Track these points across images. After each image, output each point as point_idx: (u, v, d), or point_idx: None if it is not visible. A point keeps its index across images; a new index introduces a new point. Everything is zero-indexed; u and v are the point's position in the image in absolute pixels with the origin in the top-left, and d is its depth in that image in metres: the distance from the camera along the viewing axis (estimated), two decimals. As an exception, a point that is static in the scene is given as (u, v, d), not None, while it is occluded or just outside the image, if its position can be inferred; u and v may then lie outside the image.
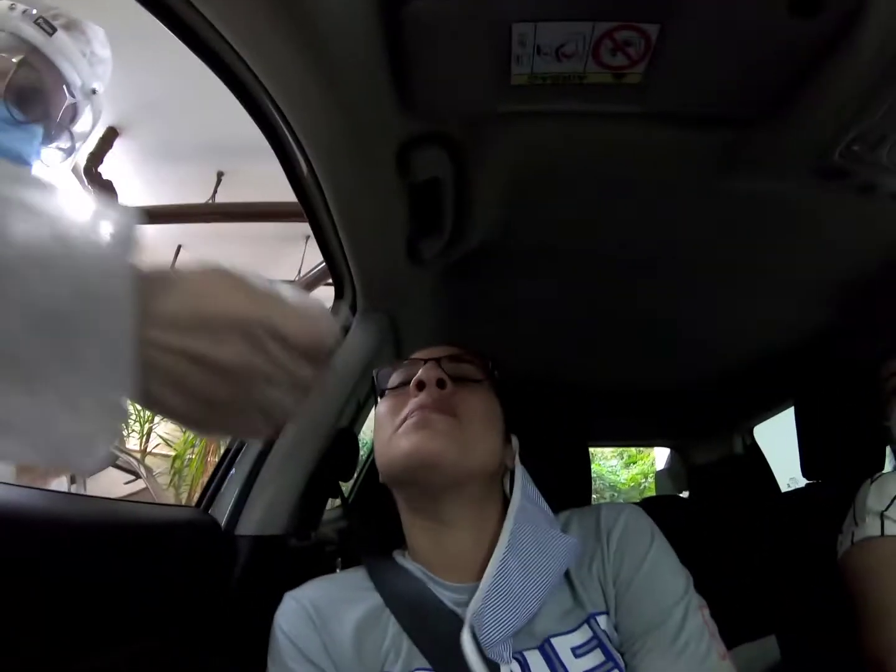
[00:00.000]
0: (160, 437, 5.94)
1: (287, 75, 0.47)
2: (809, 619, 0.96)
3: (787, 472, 1.76)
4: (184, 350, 0.28)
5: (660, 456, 4.11)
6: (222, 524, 0.75)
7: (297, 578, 0.64)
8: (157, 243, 3.71)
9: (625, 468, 7.19)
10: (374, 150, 0.58)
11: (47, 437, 0.25)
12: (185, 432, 5.52)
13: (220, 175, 3.08)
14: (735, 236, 0.81)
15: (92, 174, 2.80)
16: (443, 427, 0.57)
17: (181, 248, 3.73)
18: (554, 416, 1.47)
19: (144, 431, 5.66)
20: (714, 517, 1.52)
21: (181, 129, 2.77)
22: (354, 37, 0.44)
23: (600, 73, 0.45)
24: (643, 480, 6.95)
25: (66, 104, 0.71)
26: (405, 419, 0.59)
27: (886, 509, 0.79)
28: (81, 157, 2.88)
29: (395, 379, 0.67)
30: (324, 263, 2.71)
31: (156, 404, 0.29)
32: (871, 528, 0.80)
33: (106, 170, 2.86)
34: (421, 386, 0.60)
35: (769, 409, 1.63)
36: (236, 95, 0.53)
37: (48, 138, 0.71)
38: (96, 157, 2.82)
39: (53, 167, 0.74)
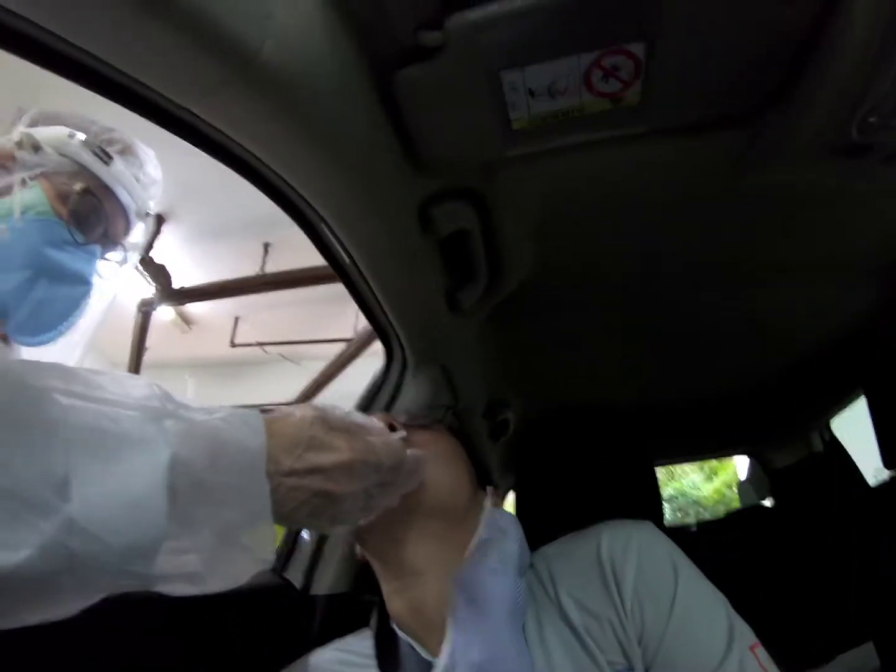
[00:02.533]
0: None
1: (299, 161, 0.50)
2: None
3: (872, 463, 1.65)
4: (308, 488, 0.41)
5: (742, 464, 3.88)
6: (298, 586, 0.77)
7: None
8: (216, 316, 3.93)
9: (707, 481, 6.81)
10: (396, 213, 0.60)
11: (224, 574, 0.37)
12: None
13: (266, 246, 3.25)
14: (771, 231, 0.79)
15: (144, 261, 3.00)
16: None
17: (238, 320, 3.94)
18: (613, 440, 1.45)
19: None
20: (801, 523, 1.44)
21: (224, 208, 2.94)
22: (355, 109, 0.47)
23: (598, 101, 0.46)
24: (727, 491, 6.55)
25: (121, 225, 0.77)
26: None
27: None
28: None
29: None
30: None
31: (289, 522, 0.43)
32: None
33: (156, 255, 3.07)
34: None
35: (840, 399, 1.53)
36: (258, 186, 0.56)
37: (104, 255, 0.77)
38: (146, 245, 3.04)
39: (110, 279, 0.79)
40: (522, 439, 1.39)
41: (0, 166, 0.70)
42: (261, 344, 3.89)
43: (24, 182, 0.69)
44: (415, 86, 0.46)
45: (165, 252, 3.20)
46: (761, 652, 0.48)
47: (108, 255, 0.78)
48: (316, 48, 0.41)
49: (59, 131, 0.71)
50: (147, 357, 3.54)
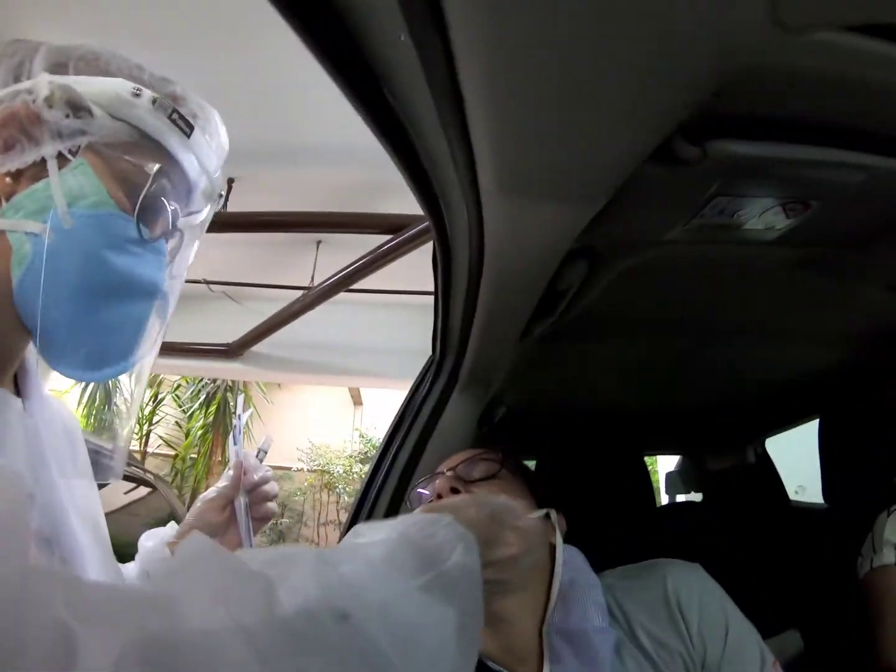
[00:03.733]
0: (161, 437, 5.96)
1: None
2: (830, 617, 1.09)
3: (794, 479, 1.92)
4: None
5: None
6: None
7: None
8: (162, 249, 3.67)
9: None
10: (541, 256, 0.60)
11: None
12: (188, 436, 5.55)
13: (230, 181, 3.06)
14: (773, 306, 0.91)
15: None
16: None
17: (186, 255, 3.71)
18: (602, 432, 1.60)
19: (144, 433, 5.65)
20: (731, 522, 1.65)
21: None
22: None
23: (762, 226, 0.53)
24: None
25: (183, 207, 0.57)
26: None
27: None
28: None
29: (424, 497, 0.74)
30: (342, 272, 2.74)
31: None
32: (888, 557, 0.92)
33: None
34: (439, 498, 0.65)
35: (787, 424, 1.76)
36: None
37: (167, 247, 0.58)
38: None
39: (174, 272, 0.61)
40: (507, 426, 1.50)
41: (18, 134, 0.47)
42: (208, 282, 3.71)
43: (62, 158, 0.48)
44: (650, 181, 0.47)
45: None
46: (777, 668, 0.63)
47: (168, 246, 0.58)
48: None
49: (114, 85, 0.49)
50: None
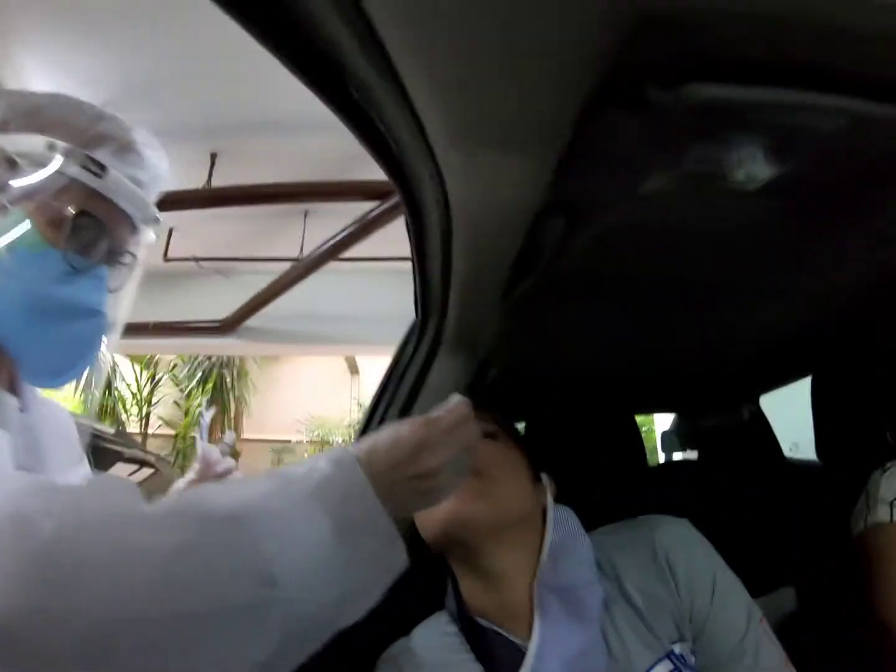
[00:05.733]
0: (160, 418, 5.99)
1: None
2: (824, 574, 1.10)
3: (788, 436, 1.93)
4: (413, 492, 0.47)
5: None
6: None
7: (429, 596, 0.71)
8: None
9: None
10: (511, 217, 0.59)
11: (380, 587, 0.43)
12: (186, 414, 5.57)
13: (213, 156, 3.00)
14: (769, 264, 0.87)
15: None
16: (468, 486, 0.60)
17: (172, 231, 3.66)
18: (593, 392, 1.60)
19: (143, 414, 5.67)
20: (725, 479, 1.66)
21: (170, 111, 2.68)
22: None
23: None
24: (643, 429, 7.22)
25: (127, 232, 0.66)
26: None
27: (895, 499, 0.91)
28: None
29: None
30: (331, 241, 2.70)
31: (402, 515, 0.47)
32: (882, 514, 0.91)
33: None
34: None
35: (781, 381, 1.76)
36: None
37: (114, 269, 0.67)
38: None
39: (120, 288, 0.70)
40: (497, 390, 1.49)
41: None
42: (197, 259, 3.66)
43: (3, 209, 0.58)
44: (606, 129, 0.44)
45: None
46: (765, 623, 0.64)
47: (117, 267, 0.68)
48: None
49: (34, 141, 0.58)
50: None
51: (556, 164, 0.46)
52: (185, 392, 5.71)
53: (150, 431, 5.52)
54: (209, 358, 5.57)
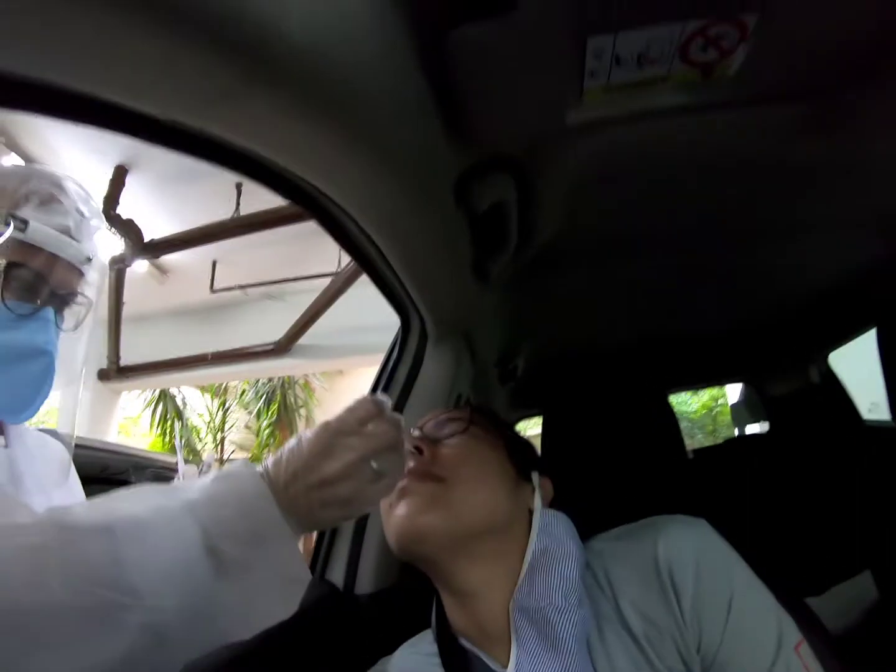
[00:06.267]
0: (233, 442, 6.27)
1: (314, 129, 0.41)
2: None
3: (867, 396, 1.70)
4: (318, 502, 0.43)
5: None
6: (340, 586, 0.76)
7: (420, 618, 0.64)
8: (193, 262, 3.77)
9: (693, 395, 7.08)
10: (429, 190, 0.54)
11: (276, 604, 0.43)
12: (258, 435, 5.81)
13: (238, 186, 3.06)
14: (801, 192, 0.75)
15: (111, 217, 2.82)
16: (423, 493, 0.54)
17: (216, 263, 3.79)
18: (627, 373, 1.47)
19: (218, 440, 5.96)
20: (797, 451, 1.48)
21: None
22: (391, 76, 0.40)
23: (688, 70, 0.40)
24: (714, 405, 6.80)
25: (68, 274, 0.69)
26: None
27: None
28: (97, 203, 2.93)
29: None
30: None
31: (316, 527, 0.46)
32: None
33: (124, 208, 2.89)
34: None
35: (844, 335, 1.54)
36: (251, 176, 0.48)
37: (60, 309, 0.71)
38: (111, 199, 2.84)
39: (77, 325, 0.73)
40: (531, 379, 1.39)
41: None
42: (242, 287, 3.76)
43: None
44: (472, 48, 0.39)
45: (133, 204, 2.99)
46: (804, 649, 0.49)
47: (69, 305, 0.71)
48: (348, 7, 0.33)
49: None
50: (126, 311, 3.42)
51: None
52: (254, 413, 5.91)
53: (225, 457, 5.75)
54: (270, 379, 5.74)
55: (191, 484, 0.42)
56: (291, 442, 0.45)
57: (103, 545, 0.36)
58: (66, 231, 0.68)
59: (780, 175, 0.70)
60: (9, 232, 0.63)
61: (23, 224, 0.64)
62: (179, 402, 5.42)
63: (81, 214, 0.71)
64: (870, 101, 0.50)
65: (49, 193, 0.68)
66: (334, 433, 0.44)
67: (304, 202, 0.52)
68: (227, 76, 0.30)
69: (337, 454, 0.43)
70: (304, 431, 0.45)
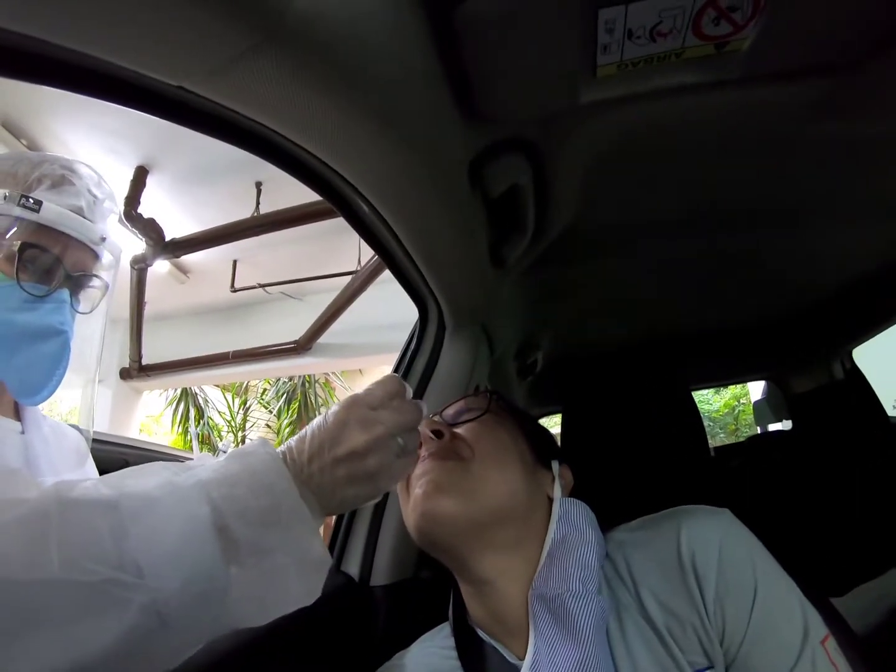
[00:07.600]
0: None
1: (331, 117, 0.42)
2: None
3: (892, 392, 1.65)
4: (345, 477, 0.42)
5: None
6: (356, 578, 0.76)
7: (436, 611, 0.64)
8: (214, 262, 3.83)
9: (715, 394, 6.99)
10: (443, 171, 0.54)
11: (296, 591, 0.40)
12: (278, 434, 5.87)
13: (258, 185, 3.11)
14: (823, 175, 0.74)
15: (132, 217, 2.87)
16: (443, 472, 0.54)
17: (237, 263, 3.84)
18: (649, 368, 1.45)
19: (239, 439, 6.03)
20: (821, 448, 1.45)
21: (208, 150, 2.78)
22: (402, 56, 0.40)
23: (701, 45, 0.40)
24: (736, 404, 6.70)
25: (83, 255, 0.72)
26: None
27: None
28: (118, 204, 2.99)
29: None
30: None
31: (339, 508, 0.44)
32: None
33: (144, 208, 2.93)
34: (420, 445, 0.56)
35: (868, 329, 1.51)
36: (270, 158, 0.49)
37: (76, 292, 0.72)
38: (132, 199, 2.88)
39: (93, 308, 0.76)
40: (550, 374, 1.39)
41: None
42: (262, 286, 3.81)
43: None
44: (481, 24, 0.39)
45: (153, 204, 3.04)
46: (831, 643, 0.48)
47: (84, 287, 0.74)
48: None
49: None
50: (148, 311, 3.48)
51: None
52: (274, 412, 5.96)
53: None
54: (291, 378, 5.79)
55: (204, 462, 0.41)
56: (317, 419, 0.44)
57: (107, 520, 0.35)
58: (79, 211, 0.69)
59: (800, 157, 0.69)
60: (24, 213, 0.66)
61: (36, 205, 0.66)
62: (201, 401, 5.50)
63: (94, 196, 0.72)
64: (890, 77, 0.49)
65: (61, 175, 0.70)
66: (364, 405, 0.44)
67: (319, 185, 0.53)
68: (235, 43, 0.31)
69: (363, 426, 0.42)
70: (331, 408, 0.45)
